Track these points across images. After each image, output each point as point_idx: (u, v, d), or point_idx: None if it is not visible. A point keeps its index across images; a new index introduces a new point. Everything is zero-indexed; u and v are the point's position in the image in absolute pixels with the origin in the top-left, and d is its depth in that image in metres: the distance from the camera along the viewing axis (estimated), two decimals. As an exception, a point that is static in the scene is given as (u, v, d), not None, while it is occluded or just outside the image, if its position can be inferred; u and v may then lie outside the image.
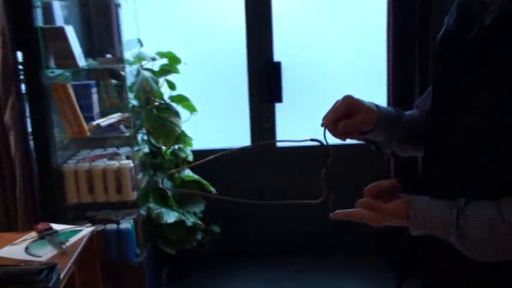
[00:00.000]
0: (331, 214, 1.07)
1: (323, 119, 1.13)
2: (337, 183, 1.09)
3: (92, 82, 2.96)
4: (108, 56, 2.94)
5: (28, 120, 2.66)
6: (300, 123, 3.81)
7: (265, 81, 3.75)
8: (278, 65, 3.74)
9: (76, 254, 1.95)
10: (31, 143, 2.66)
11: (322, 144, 1.09)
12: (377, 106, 1.16)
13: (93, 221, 2.94)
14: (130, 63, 3.05)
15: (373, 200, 1.06)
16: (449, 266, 1.11)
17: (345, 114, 1.11)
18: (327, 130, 1.12)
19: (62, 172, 2.80)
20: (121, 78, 3.25)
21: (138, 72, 3.14)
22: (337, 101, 1.13)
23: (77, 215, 3.00)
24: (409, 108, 1.33)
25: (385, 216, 1.04)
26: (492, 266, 1.01)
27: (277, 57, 3.75)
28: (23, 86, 2.63)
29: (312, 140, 1.11)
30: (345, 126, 1.11)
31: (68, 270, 1.86)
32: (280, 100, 3.76)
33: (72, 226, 2.22)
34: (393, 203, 1.04)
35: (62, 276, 1.74)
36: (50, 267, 1.63)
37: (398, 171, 3.63)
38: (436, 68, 1.19)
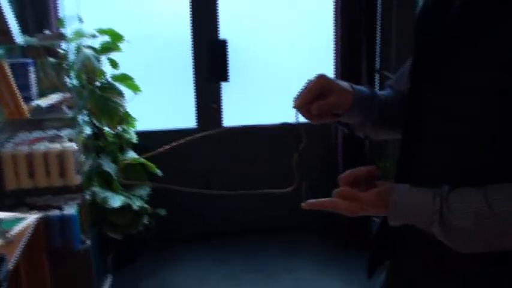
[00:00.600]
0: (303, 204, 1.00)
1: (295, 100, 1.05)
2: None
3: (29, 60, 2.77)
4: (47, 32, 2.76)
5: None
6: (247, 103, 3.75)
7: (210, 60, 3.66)
8: (224, 43, 3.66)
9: (22, 243, 1.83)
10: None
11: (295, 128, 1.02)
12: (352, 86, 1.10)
13: (34, 208, 2.78)
14: (70, 41, 2.87)
15: (350, 189, 0.99)
16: (427, 256, 1.05)
17: (318, 95, 1.04)
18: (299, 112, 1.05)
19: (-1, 156, 2.62)
20: (59, 57, 3.07)
21: (78, 50, 2.98)
22: (310, 81, 1.05)
23: (15, 202, 2.82)
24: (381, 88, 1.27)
25: (362, 206, 0.97)
26: (475, 258, 0.94)
27: (223, 34, 3.66)
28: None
29: (283, 124, 1.03)
30: (320, 108, 1.04)
31: (15, 262, 1.73)
32: (226, 79, 3.68)
33: (16, 214, 2.07)
34: (371, 192, 0.97)
35: (9, 267, 1.62)
36: (-3, 259, 1.50)
37: (346, 147, 3.65)
38: (415, 47, 1.12)
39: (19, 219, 2.00)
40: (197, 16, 3.61)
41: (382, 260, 1.18)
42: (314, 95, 1.04)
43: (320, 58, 3.73)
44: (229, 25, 3.66)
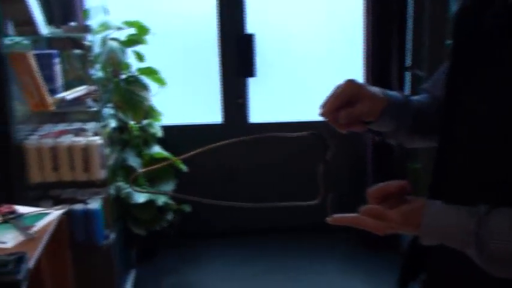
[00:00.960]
0: (328, 218, 0.94)
1: (322, 107, 0.98)
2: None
3: (55, 52, 2.73)
4: (72, 24, 2.72)
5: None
6: (274, 98, 3.68)
7: (237, 55, 3.59)
8: (251, 37, 3.58)
9: (45, 240, 1.78)
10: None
11: (322, 137, 0.93)
12: (383, 92, 1.02)
13: (58, 201, 2.75)
14: (95, 33, 2.83)
15: (377, 207, 0.92)
16: (460, 278, 0.97)
17: (347, 101, 0.97)
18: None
19: (23, 149, 2.58)
20: (85, 48, 3.04)
21: (104, 43, 2.93)
22: (338, 86, 0.98)
23: (39, 195, 2.80)
24: (400, 89, 1.20)
25: (391, 225, 0.90)
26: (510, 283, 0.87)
27: (250, 29, 3.59)
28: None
29: (312, 134, 0.94)
30: (348, 116, 0.97)
31: (37, 259, 1.69)
32: (253, 74, 3.61)
33: (38, 209, 2.04)
34: (402, 210, 0.90)
35: (30, 266, 1.58)
36: (18, 258, 1.46)
37: (375, 154, 3.54)
38: (453, 50, 1.03)
39: (42, 215, 1.96)
40: (224, 10, 3.55)
41: (414, 275, 1.11)
42: (342, 102, 0.97)
43: (349, 54, 3.63)
44: (256, 19, 3.59)
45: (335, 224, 0.94)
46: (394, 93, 1.05)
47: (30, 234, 1.77)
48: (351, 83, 0.97)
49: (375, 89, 1.00)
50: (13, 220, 1.89)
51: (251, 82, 3.67)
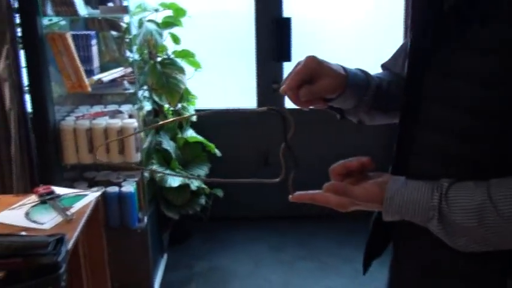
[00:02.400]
0: (290, 196, 0.95)
1: (282, 85, 0.96)
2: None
3: (92, 33, 2.71)
4: (110, 4, 2.69)
5: (23, 72, 2.42)
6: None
7: (273, 39, 3.53)
8: (288, 21, 3.51)
9: (82, 222, 1.77)
10: (26, 96, 2.42)
11: (280, 114, 0.91)
12: (344, 69, 1.00)
13: (93, 183, 2.76)
14: (133, 14, 2.80)
15: (340, 183, 0.93)
16: (424, 255, 0.98)
17: (308, 78, 0.95)
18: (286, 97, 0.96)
19: (60, 130, 2.58)
20: (121, 30, 3.02)
21: (141, 24, 2.90)
22: (298, 63, 0.96)
23: (74, 176, 2.80)
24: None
25: (355, 200, 0.91)
26: (474, 257, 0.88)
27: (286, 12, 3.52)
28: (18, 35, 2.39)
29: (270, 109, 0.92)
30: (309, 93, 0.95)
31: (74, 241, 1.68)
32: (289, 59, 3.54)
33: (76, 190, 2.02)
34: (364, 186, 0.91)
35: (69, 248, 1.56)
36: (57, 239, 1.44)
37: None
38: (411, 28, 1.03)
39: (79, 197, 1.94)
40: (262, -7, 3.49)
41: (378, 252, 1.12)
42: (302, 79, 0.94)
43: (387, 38, 3.54)
44: (293, 2, 3.51)
45: (297, 202, 0.95)
46: (354, 69, 1.04)
47: (68, 215, 1.75)
48: (311, 59, 0.95)
49: (336, 66, 0.99)
50: (51, 201, 1.87)
51: (287, 67, 3.60)
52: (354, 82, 1.00)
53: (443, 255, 0.92)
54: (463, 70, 0.86)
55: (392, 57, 1.19)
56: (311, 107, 1.00)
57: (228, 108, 0.89)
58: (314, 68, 0.95)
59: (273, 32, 3.52)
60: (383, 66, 1.20)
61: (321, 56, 0.99)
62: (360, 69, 1.07)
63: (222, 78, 3.62)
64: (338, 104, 1.04)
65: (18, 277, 1.36)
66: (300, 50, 3.54)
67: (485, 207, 0.81)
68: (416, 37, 0.99)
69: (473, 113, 0.86)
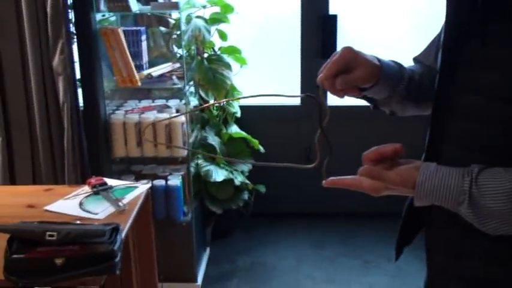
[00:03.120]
0: (323, 182, 1.00)
1: (319, 74, 1.01)
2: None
3: (142, 28, 2.76)
4: (161, 0, 2.73)
5: (76, 67, 2.48)
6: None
7: (319, 36, 3.52)
8: (334, 18, 3.50)
9: (134, 213, 1.81)
10: (79, 90, 2.48)
11: (317, 101, 0.96)
12: (379, 60, 1.04)
13: (139, 176, 2.81)
14: (181, 10, 2.84)
15: (374, 167, 0.96)
16: (453, 237, 1.02)
17: (344, 68, 0.98)
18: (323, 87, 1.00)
19: (110, 123, 2.64)
20: (169, 26, 3.06)
21: (189, 20, 2.94)
22: (335, 54, 1.00)
23: (122, 169, 2.86)
24: None
25: (388, 185, 0.94)
26: (503, 240, 0.91)
27: (332, 9, 3.51)
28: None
29: (307, 95, 0.99)
30: (344, 82, 0.98)
31: (126, 232, 1.72)
32: (334, 56, 3.53)
33: (126, 182, 2.07)
34: (397, 170, 0.94)
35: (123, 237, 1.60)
36: (113, 228, 1.48)
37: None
38: (446, 19, 1.04)
39: (130, 188, 1.99)
40: (308, -11, 3.48)
41: (409, 239, 1.17)
42: (339, 68, 0.98)
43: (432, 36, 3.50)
44: (339, 0, 3.50)
45: (332, 187, 0.99)
46: (388, 60, 1.07)
47: (121, 206, 1.80)
48: (347, 49, 0.99)
49: (371, 57, 1.02)
50: (103, 192, 1.92)
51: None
52: (387, 73, 1.03)
53: (474, 242, 0.96)
54: (497, 62, 0.89)
55: (424, 50, 1.22)
56: (346, 96, 1.03)
57: (265, 94, 0.92)
58: (350, 58, 0.98)
59: (318, 29, 3.51)
60: (415, 59, 1.23)
61: (370, 52, 1.02)
62: (394, 61, 1.10)
63: (267, 75, 3.63)
64: (372, 94, 1.07)
65: (76, 264, 1.40)
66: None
67: None
68: (450, 29, 1.01)
69: (507, 102, 0.88)
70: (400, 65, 1.11)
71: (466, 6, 0.96)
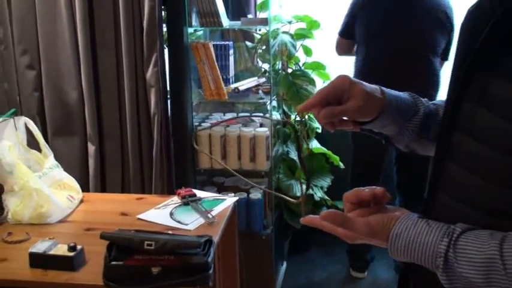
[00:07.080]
0: (301, 219, 0.92)
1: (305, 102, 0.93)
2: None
3: (230, 43, 2.82)
4: (250, 16, 2.78)
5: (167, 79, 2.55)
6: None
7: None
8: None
9: (223, 225, 1.84)
10: (169, 102, 2.56)
11: (296, 132, 0.90)
12: (383, 92, 0.93)
13: (221, 188, 2.85)
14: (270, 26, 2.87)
15: (340, 213, 0.86)
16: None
17: (334, 98, 0.90)
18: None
19: (196, 135, 2.70)
20: (254, 40, 3.11)
21: (275, 36, 2.97)
22: (330, 81, 0.93)
23: (204, 180, 2.91)
24: None
25: (358, 236, 0.85)
26: None
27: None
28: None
29: (285, 122, 0.92)
30: (330, 114, 0.90)
31: (216, 243, 1.75)
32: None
33: (214, 194, 2.11)
34: (369, 220, 0.84)
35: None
36: (207, 241, 1.51)
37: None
38: (458, 45, 0.92)
39: (218, 201, 2.03)
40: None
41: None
42: (325, 98, 0.90)
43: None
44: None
45: (309, 225, 0.91)
46: (399, 94, 0.97)
47: (211, 218, 1.83)
48: (341, 78, 0.91)
49: (372, 88, 0.92)
50: (193, 203, 1.97)
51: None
52: (395, 107, 0.94)
53: None
54: (501, 98, 0.77)
55: None
56: (339, 128, 0.97)
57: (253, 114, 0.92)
58: (342, 88, 0.90)
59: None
60: None
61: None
62: (411, 94, 1.00)
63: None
64: (375, 129, 0.99)
65: (171, 274, 1.44)
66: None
67: (494, 262, 0.73)
68: (456, 66, 0.90)
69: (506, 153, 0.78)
70: (416, 100, 0.99)
71: (473, 43, 0.84)
